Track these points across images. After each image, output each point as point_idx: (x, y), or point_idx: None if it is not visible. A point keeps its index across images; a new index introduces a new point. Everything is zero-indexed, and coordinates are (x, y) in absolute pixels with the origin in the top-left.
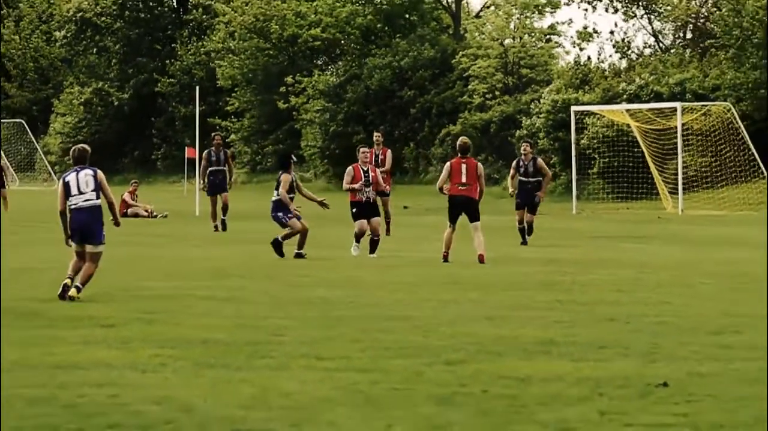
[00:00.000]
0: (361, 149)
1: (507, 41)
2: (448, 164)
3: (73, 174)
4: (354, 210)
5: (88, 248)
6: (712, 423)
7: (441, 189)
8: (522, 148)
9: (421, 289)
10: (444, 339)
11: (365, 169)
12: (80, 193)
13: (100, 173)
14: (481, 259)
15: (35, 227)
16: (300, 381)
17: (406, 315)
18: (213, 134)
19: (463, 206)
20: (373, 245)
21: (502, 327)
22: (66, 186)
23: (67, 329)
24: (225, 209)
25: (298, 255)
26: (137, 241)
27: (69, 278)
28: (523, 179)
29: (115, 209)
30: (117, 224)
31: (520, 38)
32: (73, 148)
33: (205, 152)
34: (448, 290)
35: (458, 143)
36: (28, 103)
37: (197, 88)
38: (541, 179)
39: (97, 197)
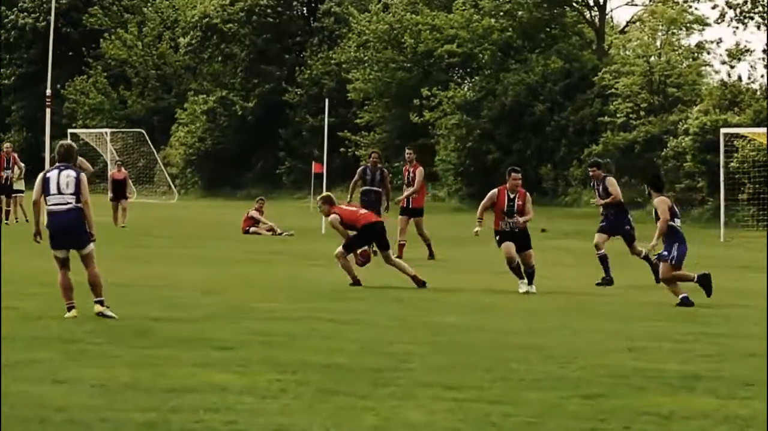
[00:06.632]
0: (512, 173)
1: (652, 59)
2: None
3: (55, 172)
4: (497, 238)
5: (80, 252)
6: None
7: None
8: (591, 173)
9: (554, 317)
10: (581, 371)
11: (512, 196)
12: (60, 193)
13: (83, 176)
14: None
15: (152, 242)
16: (427, 411)
17: (540, 344)
18: (371, 152)
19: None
20: (530, 277)
21: (642, 360)
22: (45, 182)
23: (180, 350)
24: None
25: None
26: (257, 259)
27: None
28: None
29: (91, 215)
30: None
31: (666, 55)
32: (59, 143)
33: (360, 168)
34: (582, 319)
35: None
36: (148, 113)
37: (326, 99)
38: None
39: (77, 201)
